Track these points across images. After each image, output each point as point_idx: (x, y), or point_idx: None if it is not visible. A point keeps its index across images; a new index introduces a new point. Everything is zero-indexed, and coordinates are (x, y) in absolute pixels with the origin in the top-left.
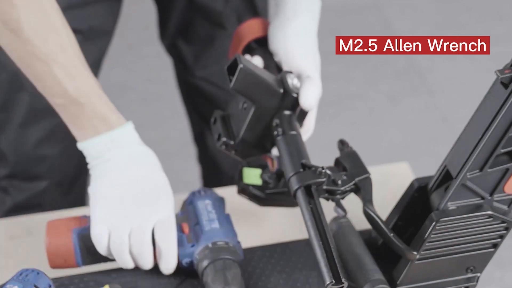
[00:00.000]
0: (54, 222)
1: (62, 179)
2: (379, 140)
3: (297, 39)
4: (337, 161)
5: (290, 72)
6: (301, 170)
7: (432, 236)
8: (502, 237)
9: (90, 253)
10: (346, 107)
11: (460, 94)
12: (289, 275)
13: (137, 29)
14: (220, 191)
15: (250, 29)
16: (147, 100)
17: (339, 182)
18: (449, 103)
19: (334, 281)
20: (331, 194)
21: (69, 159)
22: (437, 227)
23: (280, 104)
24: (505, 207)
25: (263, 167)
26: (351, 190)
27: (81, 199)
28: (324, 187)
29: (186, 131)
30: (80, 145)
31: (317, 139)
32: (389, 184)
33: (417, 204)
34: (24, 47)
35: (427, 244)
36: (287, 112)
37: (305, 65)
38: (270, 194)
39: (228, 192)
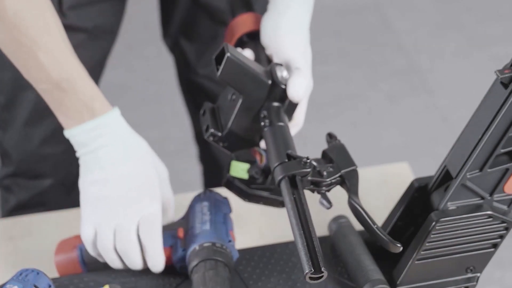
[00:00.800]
0: (63, 241)
1: (65, 177)
2: (379, 140)
3: (288, 32)
4: (324, 154)
5: (280, 64)
6: (286, 160)
7: (432, 236)
8: (502, 237)
9: (96, 267)
10: (346, 107)
11: (460, 94)
12: (289, 275)
13: (137, 30)
14: (223, 190)
15: (243, 23)
16: (147, 100)
17: (325, 173)
18: (449, 103)
19: (313, 270)
20: (316, 186)
21: (72, 157)
22: (437, 227)
23: (268, 95)
24: (505, 207)
25: (252, 162)
26: (336, 182)
27: None
28: (309, 178)
29: (186, 131)
30: (66, 133)
31: (317, 139)
32: (389, 184)
33: (417, 204)
34: (9, 32)
35: (427, 244)
36: (275, 104)
37: (295, 56)
38: (255, 190)
39: (230, 192)
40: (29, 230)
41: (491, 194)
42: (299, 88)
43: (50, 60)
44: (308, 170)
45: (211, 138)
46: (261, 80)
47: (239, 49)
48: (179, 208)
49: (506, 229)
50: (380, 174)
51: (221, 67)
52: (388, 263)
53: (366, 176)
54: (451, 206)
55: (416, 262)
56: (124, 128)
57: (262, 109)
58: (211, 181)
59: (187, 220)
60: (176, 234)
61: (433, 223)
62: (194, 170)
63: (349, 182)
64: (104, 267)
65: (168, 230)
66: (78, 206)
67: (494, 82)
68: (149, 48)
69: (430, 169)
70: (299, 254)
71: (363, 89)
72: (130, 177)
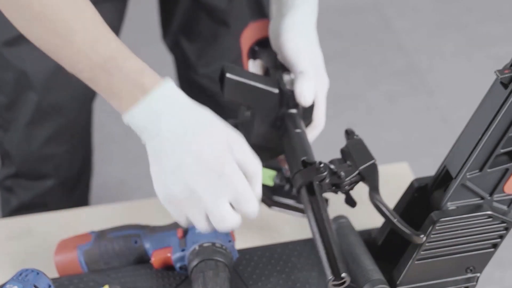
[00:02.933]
0: (63, 241)
1: (67, 177)
2: (379, 140)
3: (289, 36)
4: (343, 152)
5: (287, 70)
6: (302, 168)
7: (432, 236)
8: (501, 237)
9: (96, 267)
10: (346, 107)
11: (460, 94)
12: (289, 275)
13: (137, 30)
14: None
15: (251, 32)
16: None
17: (342, 173)
18: (448, 103)
19: (333, 277)
20: (337, 187)
21: (74, 158)
22: (437, 227)
23: (281, 103)
24: (504, 207)
25: (279, 170)
26: (356, 180)
27: (84, 198)
28: (328, 181)
29: None
30: (124, 120)
31: (316, 139)
32: (389, 184)
33: (417, 204)
34: (40, 24)
35: (427, 244)
36: (291, 111)
37: (297, 60)
38: (280, 197)
39: None
40: (29, 230)
41: (491, 194)
42: (305, 92)
43: (88, 43)
44: (324, 174)
45: None
46: (267, 91)
47: (251, 62)
48: None
49: (506, 229)
50: (380, 174)
51: (224, 89)
52: (388, 263)
53: None
54: (451, 206)
55: (416, 262)
56: (180, 100)
57: (277, 118)
58: None
59: None
60: (176, 234)
61: (433, 223)
62: None
63: (369, 178)
64: (104, 267)
65: (168, 230)
66: (79, 206)
67: (494, 82)
68: (149, 48)
69: (430, 169)
70: (321, 262)
71: (363, 89)
72: (199, 155)
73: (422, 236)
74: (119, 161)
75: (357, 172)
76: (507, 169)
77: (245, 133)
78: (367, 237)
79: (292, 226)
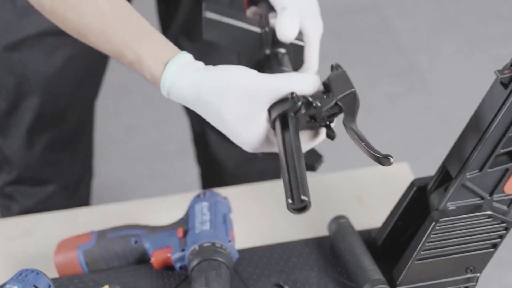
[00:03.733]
0: (63, 241)
1: (68, 182)
2: (378, 140)
3: None
4: (324, 84)
5: (274, 11)
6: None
7: (432, 236)
8: (501, 237)
9: (96, 267)
10: None
11: (459, 94)
12: (289, 275)
13: None
14: (222, 191)
15: None
16: (147, 100)
17: (318, 103)
18: (448, 103)
19: (291, 201)
20: (315, 119)
21: (75, 162)
22: (436, 227)
23: (263, 43)
24: (504, 207)
25: None
26: (335, 110)
27: (86, 201)
28: (303, 112)
29: (186, 131)
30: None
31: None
32: (389, 184)
33: (417, 204)
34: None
35: (427, 244)
36: (280, 50)
37: None
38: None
39: (230, 192)
40: (29, 230)
41: (491, 194)
42: (284, 27)
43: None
44: (299, 104)
45: None
46: (248, 30)
47: (252, 7)
48: (179, 208)
49: (506, 229)
50: (380, 174)
51: (203, 29)
52: (388, 263)
53: (366, 176)
54: (451, 206)
55: (416, 262)
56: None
57: (265, 59)
58: (210, 182)
59: (186, 220)
60: (176, 234)
61: (433, 223)
62: (194, 170)
63: (345, 106)
64: (104, 267)
65: (168, 230)
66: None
67: (494, 82)
68: None
69: (430, 169)
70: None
71: (363, 89)
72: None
73: (390, 158)
74: (119, 161)
75: (334, 101)
76: (507, 169)
77: None
78: (367, 237)
79: (292, 226)
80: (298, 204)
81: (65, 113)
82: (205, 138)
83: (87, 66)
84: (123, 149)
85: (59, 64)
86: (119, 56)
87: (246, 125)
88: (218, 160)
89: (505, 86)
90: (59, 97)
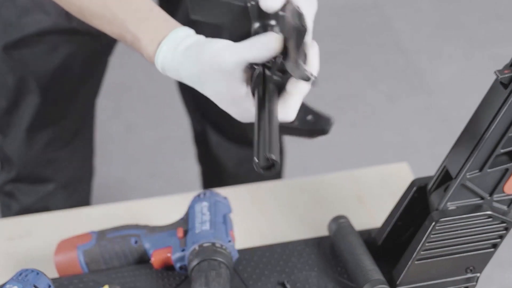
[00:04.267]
0: (63, 241)
1: (68, 180)
2: (378, 140)
3: None
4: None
5: None
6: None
7: (432, 236)
8: (501, 237)
9: (96, 267)
10: (346, 107)
11: (459, 94)
12: (289, 275)
13: None
14: (222, 191)
15: None
16: (147, 100)
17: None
18: (448, 103)
19: (257, 161)
20: (279, 70)
21: (75, 160)
22: (436, 227)
23: (252, 17)
24: (504, 207)
25: None
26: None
27: (86, 200)
28: (268, 64)
29: (186, 131)
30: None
31: (316, 140)
32: (389, 184)
33: (417, 204)
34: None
35: (427, 244)
36: (271, 22)
37: None
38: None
39: (230, 192)
40: (29, 230)
41: (491, 194)
42: None
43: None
44: (257, 71)
45: None
46: (234, 5)
47: None
48: (179, 208)
49: (506, 229)
50: (380, 174)
51: (189, 7)
52: (388, 263)
53: (366, 176)
54: (451, 206)
55: (416, 262)
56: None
57: (254, 34)
58: (211, 182)
59: (186, 220)
60: (176, 234)
61: (433, 223)
62: (194, 170)
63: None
64: (104, 267)
65: (168, 230)
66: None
67: (494, 82)
68: None
69: (430, 169)
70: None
71: (363, 89)
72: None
73: (312, 74)
74: (119, 161)
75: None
76: (507, 169)
77: None
78: (367, 237)
79: (292, 226)
80: (263, 162)
81: (65, 112)
82: (206, 137)
83: (87, 64)
84: (123, 149)
85: (59, 63)
86: (120, 37)
87: (232, 101)
88: (218, 160)
89: (505, 86)
90: (59, 95)
